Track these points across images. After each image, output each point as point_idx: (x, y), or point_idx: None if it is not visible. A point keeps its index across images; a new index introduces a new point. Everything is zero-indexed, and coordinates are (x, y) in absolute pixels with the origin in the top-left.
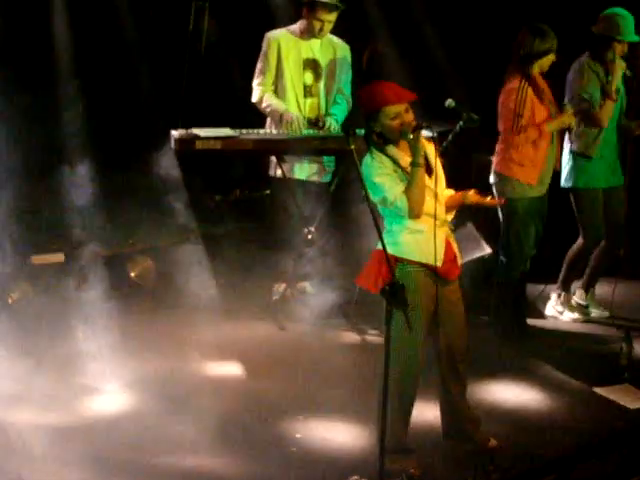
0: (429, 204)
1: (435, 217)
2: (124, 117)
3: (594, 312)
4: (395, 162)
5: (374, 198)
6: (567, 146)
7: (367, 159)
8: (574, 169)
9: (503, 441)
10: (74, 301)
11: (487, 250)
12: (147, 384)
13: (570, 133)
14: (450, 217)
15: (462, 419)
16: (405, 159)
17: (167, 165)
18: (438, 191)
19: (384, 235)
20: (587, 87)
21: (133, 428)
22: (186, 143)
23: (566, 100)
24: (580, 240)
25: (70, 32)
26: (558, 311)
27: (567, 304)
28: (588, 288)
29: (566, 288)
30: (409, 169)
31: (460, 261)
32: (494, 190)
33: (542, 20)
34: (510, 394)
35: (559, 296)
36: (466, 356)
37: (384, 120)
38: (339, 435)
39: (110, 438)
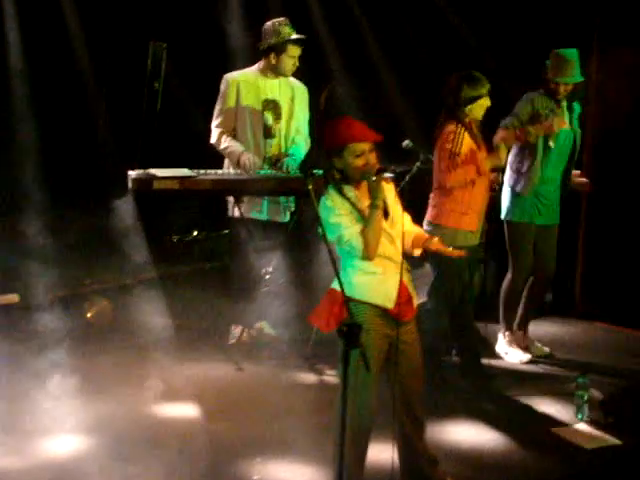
0: (384, 246)
1: (390, 259)
2: (81, 157)
3: (535, 352)
4: (352, 203)
5: (330, 238)
6: (507, 181)
7: (324, 199)
8: (510, 202)
9: None
10: (28, 342)
11: None
12: (102, 426)
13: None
14: (417, 253)
15: (420, 460)
16: (362, 201)
17: (124, 205)
18: (394, 234)
19: (339, 275)
20: (520, 113)
21: (87, 471)
22: (143, 183)
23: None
24: (509, 275)
25: (27, 71)
26: (504, 352)
27: (512, 344)
28: (523, 327)
29: (509, 327)
30: (366, 211)
31: (416, 302)
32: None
33: (497, 59)
34: (468, 434)
35: (504, 336)
36: (422, 397)
37: (347, 157)
38: (297, 476)
39: None
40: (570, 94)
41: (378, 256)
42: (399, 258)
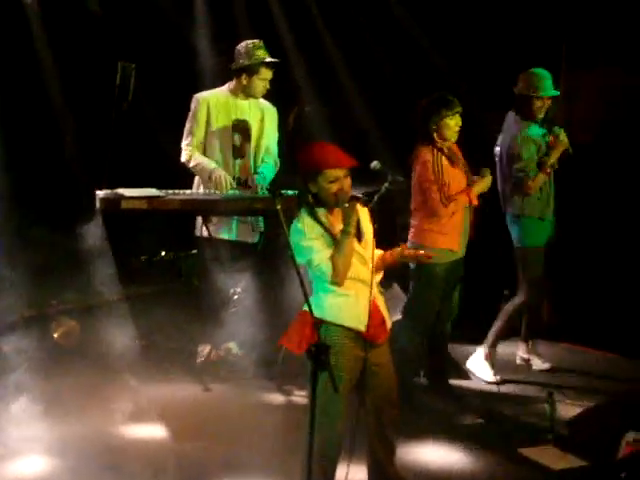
0: (357, 269)
1: (362, 282)
2: (48, 177)
3: (535, 365)
4: (324, 227)
5: (300, 260)
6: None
7: (296, 222)
8: (521, 230)
9: None
10: None
11: None
12: (69, 448)
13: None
14: (379, 277)
15: None
16: (335, 225)
17: (92, 225)
18: (367, 256)
19: (311, 297)
20: (524, 158)
21: None
22: (111, 203)
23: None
24: (520, 297)
25: None
26: (476, 365)
27: (488, 360)
28: (528, 341)
29: (495, 345)
30: (338, 236)
31: (389, 324)
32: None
33: (469, 80)
34: (436, 455)
35: (486, 350)
36: (394, 419)
37: (322, 183)
38: None
39: None
40: (546, 113)
41: (350, 278)
42: (371, 280)
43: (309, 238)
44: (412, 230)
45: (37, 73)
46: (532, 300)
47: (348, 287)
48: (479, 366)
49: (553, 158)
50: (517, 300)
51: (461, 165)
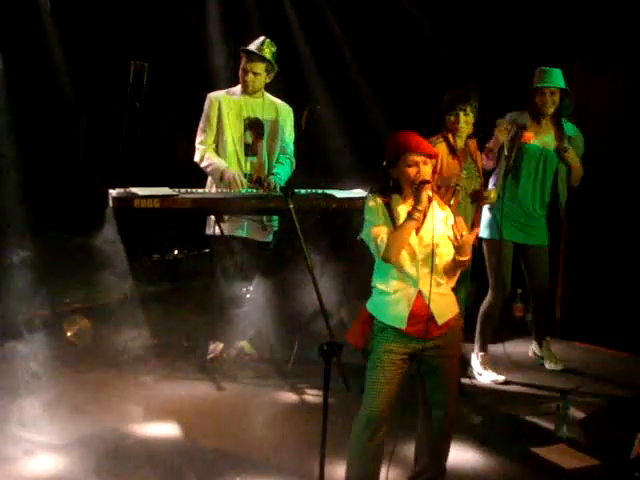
0: (404, 261)
1: (408, 276)
2: (62, 176)
3: (547, 365)
4: (390, 211)
5: (363, 235)
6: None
7: (367, 200)
8: (485, 220)
9: None
10: (7, 361)
11: None
12: (82, 446)
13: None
14: (451, 284)
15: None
16: (404, 215)
17: (105, 224)
18: (418, 252)
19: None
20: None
21: None
22: (124, 202)
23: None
24: (488, 295)
25: (8, 89)
26: (477, 372)
27: (486, 365)
28: (540, 340)
29: (484, 348)
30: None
31: (443, 319)
32: None
33: (480, 83)
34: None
35: (477, 357)
36: (451, 414)
37: (402, 166)
38: None
39: None
40: (557, 111)
41: (396, 272)
42: (418, 277)
43: (373, 214)
44: None
45: (50, 73)
46: (494, 299)
47: (390, 285)
48: (480, 371)
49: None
50: (485, 301)
51: (468, 162)
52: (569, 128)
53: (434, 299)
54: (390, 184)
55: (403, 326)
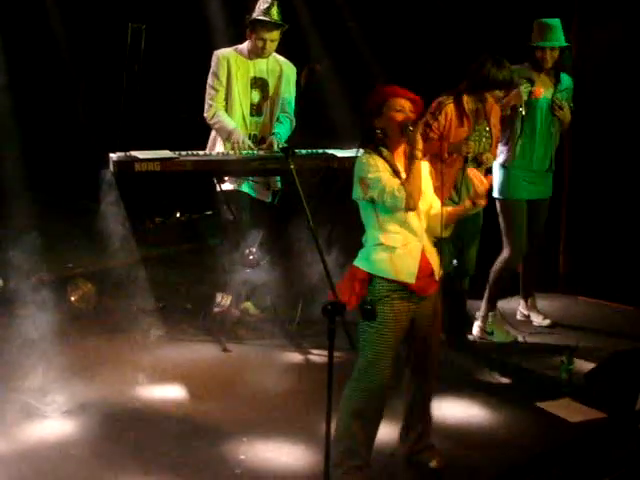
0: (408, 218)
1: (413, 232)
2: (62, 141)
3: (535, 321)
4: (389, 163)
5: (370, 194)
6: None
7: (361, 157)
8: (498, 181)
9: (446, 460)
10: (12, 326)
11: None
12: (89, 409)
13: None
14: (447, 233)
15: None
16: (397, 166)
17: (106, 188)
18: (420, 207)
19: (360, 251)
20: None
21: (75, 454)
22: (125, 165)
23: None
24: (503, 254)
25: (4, 56)
26: (487, 332)
27: (498, 323)
28: (527, 297)
29: (493, 307)
30: (401, 173)
31: (438, 275)
32: None
33: (478, 36)
34: (452, 411)
35: (487, 316)
36: (435, 371)
37: (387, 113)
38: (283, 456)
39: (52, 463)
40: (556, 64)
41: (400, 228)
42: (422, 230)
43: (376, 170)
44: None
45: (48, 37)
46: (511, 258)
47: (396, 239)
48: (481, 331)
49: (507, 99)
50: (498, 260)
51: (483, 126)
52: (565, 79)
53: (432, 254)
54: (377, 135)
55: (412, 280)
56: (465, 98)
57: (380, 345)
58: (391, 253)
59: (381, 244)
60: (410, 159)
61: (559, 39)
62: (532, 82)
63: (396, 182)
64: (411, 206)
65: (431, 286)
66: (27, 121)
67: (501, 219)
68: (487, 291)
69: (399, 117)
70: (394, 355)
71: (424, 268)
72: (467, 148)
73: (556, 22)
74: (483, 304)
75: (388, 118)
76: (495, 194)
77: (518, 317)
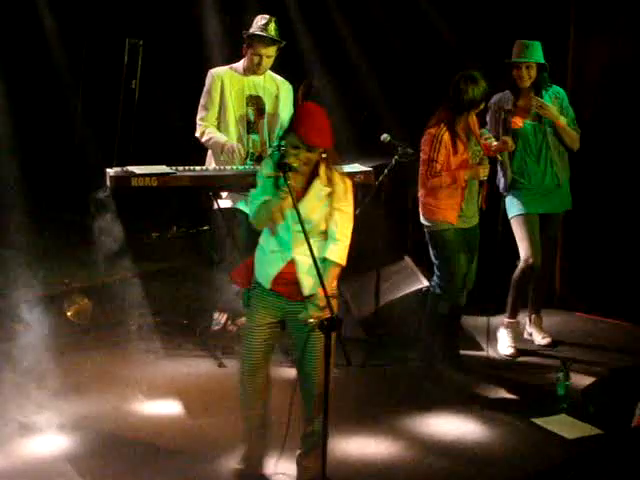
0: (282, 232)
1: (283, 242)
2: (59, 156)
3: (535, 340)
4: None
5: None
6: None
7: (262, 164)
8: (505, 206)
9: (444, 474)
10: (8, 341)
11: (424, 283)
12: (83, 425)
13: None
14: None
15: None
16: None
17: (102, 203)
18: (293, 226)
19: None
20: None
21: (70, 469)
22: (122, 180)
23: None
24: (520, 265)
25: (3, 69)
26: (500, 339)
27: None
28: (532, 315)
29: (513, 316)
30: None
31: (306, 288)
32: (425, 231)
33: (472, 53)
34: (449, 427)
35: (509, 324)
36: (316, 374)
37: (289, 141)
38: (279, 470)
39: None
40: (534, 84)
41: (271, 237)
42: (293, 245)
43: (262, 178)
44: (420, 202)
45: (45, 53)
46: (524, 269)
47: (269, 243)
48: (499, 336)
49: (495, 150)
50: (516, 271)
51: (473, 142)
52: (555, 91)
53: (304, 268)
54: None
55: (268, 286)
56: (458, 124)
57: (247, 332)
58: (261, 255)
59: (259, 244)
60: (277, 194)
61: (533, 56)
62: (510, 112)
63: (259, 197)
64: (252, 222)
65: (294, 294)
66: (24, 135)
67: (516, 235)
68: (510, 303)
69: (291, 154)
70: (259, 351)
71: (284, 276)
72: (484, 171)
73: (535, 43)
74: (508, 314)
75: (287, 147)
76: (509, 215)
77: (525, 336)
